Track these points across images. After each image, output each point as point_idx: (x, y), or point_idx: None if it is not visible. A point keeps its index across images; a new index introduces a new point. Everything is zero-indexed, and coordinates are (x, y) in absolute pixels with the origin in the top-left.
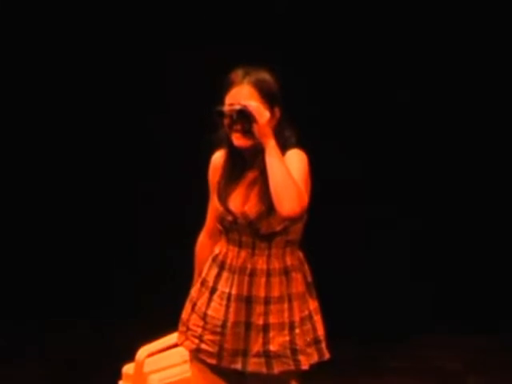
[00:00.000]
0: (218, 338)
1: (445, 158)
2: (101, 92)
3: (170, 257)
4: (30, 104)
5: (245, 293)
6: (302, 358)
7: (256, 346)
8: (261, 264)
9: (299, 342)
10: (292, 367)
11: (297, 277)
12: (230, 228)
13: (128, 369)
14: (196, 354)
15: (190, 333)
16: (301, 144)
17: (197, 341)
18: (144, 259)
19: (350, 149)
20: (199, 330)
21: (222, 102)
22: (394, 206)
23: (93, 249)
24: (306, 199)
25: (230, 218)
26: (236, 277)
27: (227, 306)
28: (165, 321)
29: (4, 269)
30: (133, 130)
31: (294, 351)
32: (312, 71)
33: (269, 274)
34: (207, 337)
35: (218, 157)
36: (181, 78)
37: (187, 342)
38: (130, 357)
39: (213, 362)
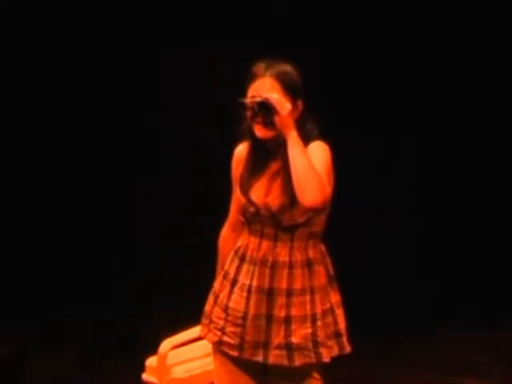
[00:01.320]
0: (239, 329)
1: (445, 157)
2: (101, 92)
3: (170, 257)
4: (31, 104)
5: (266, 285)
6: (323, 350)
7: (278, 339)
8: (283, 256)
9: (321, 335)
10: (313, 360)
11: (319, 269)
12: (253, 220)
13: (151, 361)
14: (218, 347)
15: (212, 325)
16: (324, 136)
17: (219, 333)
18: (144, 259)
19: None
20: (221, 323)
21: (244, 95)
22: (395, 205)
23: (93, 249)
24: (328, 190)
25: (252, 209)
26: (257, 269)
27: (248, 298)
28: (165, 320)
29: (4, 269)
30: (133, 130)
31: (316, 344)
32: (311, 71)
33: (291, 267)
34: (229, 329)
35: (241, 149)
36: (181, 78)
37: (210, 335)
38: (130, 356)
39: (234, 354)
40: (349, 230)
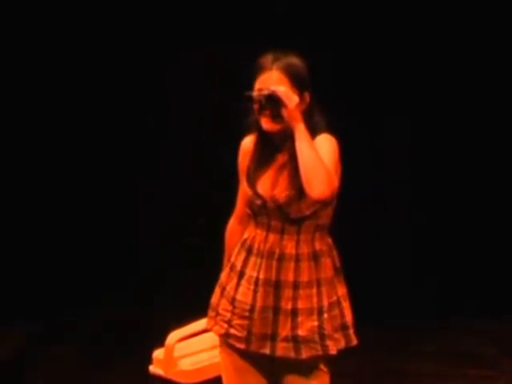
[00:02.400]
0: (246, 322)
1: (448, 151)
2: (101, 92)
3: (170, 257)
4: (31, 104)
5: (273, 277)
6: (329, 343)
7: (284, 331)
8: (289, 249)
9: (327, 327)
10: (320, 352)
11: (326, 262)
12: (259, 212)
13: (158, 354)
14: (225, 339)
15: (219, 318)
16: (331, 129)
17: (226, 325)
18: (144, 259)
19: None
20: (228, 315)
21: (251, 88)
22: (398, 198)
23: (93, 249)
24: (335, 182)
25: (258, 201)
26: (264, 261)
27: (255, 291)
28: (165, 320)
29: (4, 269)
30: (133, 130)
31: (322, 336)
32: (312, 71)
33: (298, 259)
34: (236, 321)
35: (248, 142)
36: (181, 78)
37: (216, 327)
38: (130, 356)
39: (241, 346)
40: (352, 224)
